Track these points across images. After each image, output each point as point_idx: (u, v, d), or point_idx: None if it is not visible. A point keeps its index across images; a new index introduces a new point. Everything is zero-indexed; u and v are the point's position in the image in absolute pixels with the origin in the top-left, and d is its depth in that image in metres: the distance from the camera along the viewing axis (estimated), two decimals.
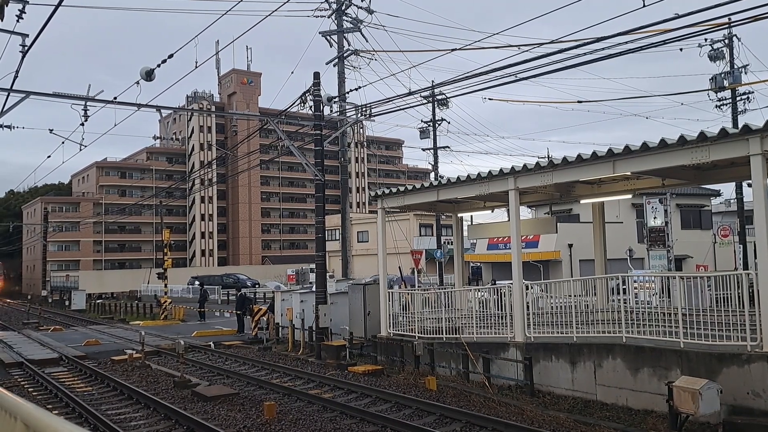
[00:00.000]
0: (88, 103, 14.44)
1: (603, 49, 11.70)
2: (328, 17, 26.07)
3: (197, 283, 49.54)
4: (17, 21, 9.21)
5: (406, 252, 26.45)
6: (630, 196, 14.55)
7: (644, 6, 10.54)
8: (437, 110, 33.19)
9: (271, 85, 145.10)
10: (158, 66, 13.40)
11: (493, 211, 17.08)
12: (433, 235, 41.28)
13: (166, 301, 32.00)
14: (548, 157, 21.19)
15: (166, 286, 34.47)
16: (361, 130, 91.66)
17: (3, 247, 79.58)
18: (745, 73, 25.57)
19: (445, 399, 11.42)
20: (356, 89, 20.87)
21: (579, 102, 20.09)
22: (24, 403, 2.47)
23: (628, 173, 11.19)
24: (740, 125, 9.08)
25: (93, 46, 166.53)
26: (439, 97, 30.38)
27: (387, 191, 15.89)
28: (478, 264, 41.24)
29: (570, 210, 37.36)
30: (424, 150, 34.67)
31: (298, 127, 21.17)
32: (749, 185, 19.17)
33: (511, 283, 12.93)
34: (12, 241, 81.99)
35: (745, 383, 8.80)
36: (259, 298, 37.57)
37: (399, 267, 24.66)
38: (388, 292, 15.87)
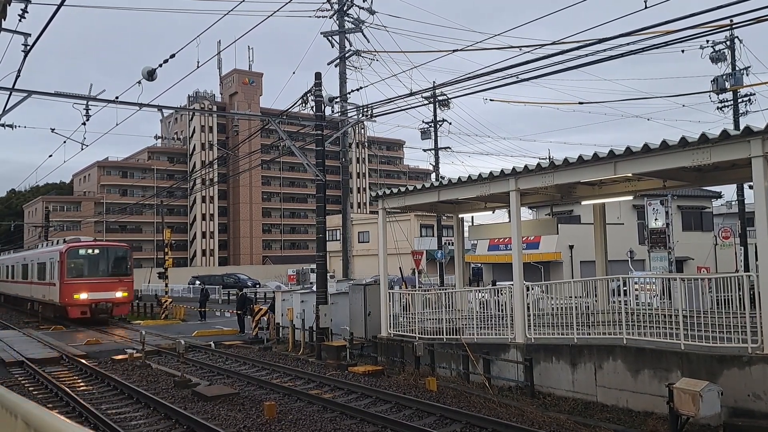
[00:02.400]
0: (90, 103, 14.46)
1: (605, 50, 11.70)
2: (330, 18, 26.08)
3: (198, 282, 49.57)
4: (19, 20, 9.22)
5: (407, 252, 26.46)
6: (631, 197, 14.54)
7: (646, 7, 10.54)
8: (438, 111, 33.22)
9: (273, 86, 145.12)
10: (160, 66, 13.41)
11: (494, 212, 17.10)
12: (433, 235, 41.29)
13: (166, 301, 32.01)
14: (549, 158, 21.17)
15: (166, 285, 34.50)
16: (363, 130, 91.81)
17: (4, 246, 79.60)
18: (747, 74, 25.55)
19: (446, 400, 11.41)
20: (357, 89, 20.79)
21: (580, 103, 20.13)
22: (24, 401, 2.48)
23: (630, 175, 11.20)
24: (741, 127, 9.08)
25: (93, 46, 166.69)
26: (440, 98, 30.37)
27: (388, 192, 15.89)
28: (479, 265, 41.26)
29: (571, 211, 37.38)
30: (425, 150, 34.73)
31: (299, 128, 21.16)
32: (750, 187, 19.21)
33: (512, 284, 12.94)
34: (13, 240, 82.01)
35: (746, 385, 8.80)
36: (259, 298, 37.59)
37: (400, 267, 24.64)
38: (389, 293, 15.87)
